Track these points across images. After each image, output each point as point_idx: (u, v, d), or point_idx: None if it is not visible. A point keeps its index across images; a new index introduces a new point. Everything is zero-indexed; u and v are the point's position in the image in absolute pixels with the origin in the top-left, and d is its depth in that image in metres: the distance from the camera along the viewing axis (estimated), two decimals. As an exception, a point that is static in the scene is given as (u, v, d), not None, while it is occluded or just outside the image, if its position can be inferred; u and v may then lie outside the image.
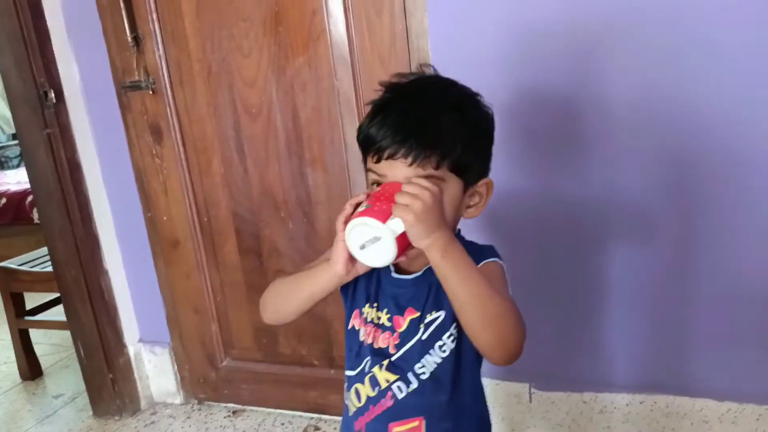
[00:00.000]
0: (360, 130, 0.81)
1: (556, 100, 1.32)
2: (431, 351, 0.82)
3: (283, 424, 1.81)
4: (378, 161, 0.77)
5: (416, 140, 0.75)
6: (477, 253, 0.82)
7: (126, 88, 1.71)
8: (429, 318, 0.82)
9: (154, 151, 1.75)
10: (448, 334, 0.82)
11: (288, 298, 0.85)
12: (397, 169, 0.76)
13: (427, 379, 0.82)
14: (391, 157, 0.76)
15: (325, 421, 1.77)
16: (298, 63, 1.52)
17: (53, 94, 1.72)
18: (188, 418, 1.91)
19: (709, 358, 1.35)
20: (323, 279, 0.80)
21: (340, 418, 0.96)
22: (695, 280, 1.32)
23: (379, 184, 0.78)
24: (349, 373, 0.87)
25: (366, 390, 0.84)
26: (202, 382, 1.95)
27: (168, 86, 1.68)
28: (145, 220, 1.84)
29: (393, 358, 0.82)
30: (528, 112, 1.34)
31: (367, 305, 0.85)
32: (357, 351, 0.85)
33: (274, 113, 1.58)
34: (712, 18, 1.17)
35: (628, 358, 1.42)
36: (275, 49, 1.53)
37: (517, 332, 0.75)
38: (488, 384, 1.52)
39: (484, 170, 0.84)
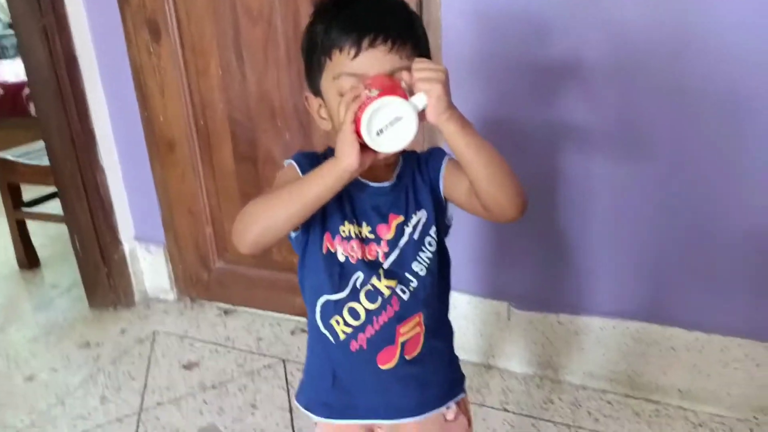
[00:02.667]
0: (324, 28, 0.77)
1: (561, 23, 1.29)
2: (423, 247, 0.85)
3: (271, 324, 1.88)
4: (356, 55, 0.74)
5: (393, 22, 0.75)
6: (437, 153, 0.88)
7: (124, -19, 1.67)
8: (414, 218, 0.84)
9: (152, 49, 1.72)
10: (433, 229, 0.86)
11: (286, 209, 0.75)
12: (377, 59, 0.74)
13: (424, 275, 0.85)
14: (371, 44, 0.74)
15: (312, 326, 1.84)
16: (301, -35, 1.47)
17: (50, -17, 1.67)
18: (181, 314, 1.99)
19: (683, 289, 1.39)
20: (331, 178, 0.73)
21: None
22: (678, 214, 1.34)
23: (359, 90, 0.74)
24: (332, 297, 0.84)
25: (364, 305, 0.83)
26: (195, 282, 2.01)
27: (167, -19, 1.63)
28: (141, 119, 1.84)
29: (385, 266, 0.83)
30: (532, 36, 1.32)
31: (345, 223, 0.83)
32: (339, 272, 0.83)
33: (275, 18, 1.54)
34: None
35: (605, 284, 1.46)
36: (279, -51, 1.48)
37: (515, 178, 0.81)
38: (469, 301, 1.58)
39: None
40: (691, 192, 1.31)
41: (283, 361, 1.71)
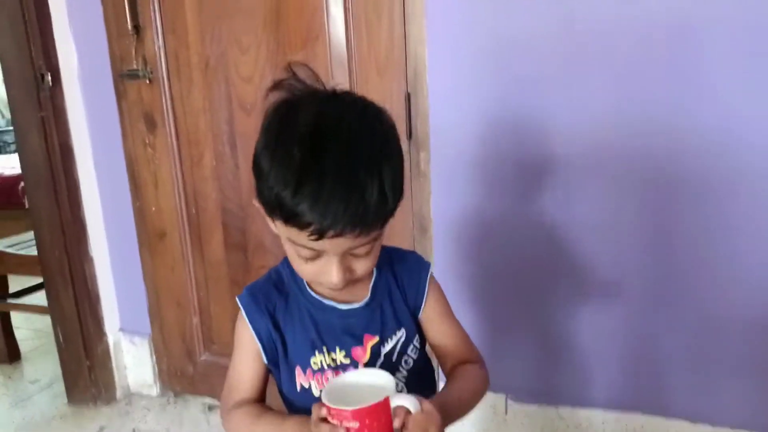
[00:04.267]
0: (281, 202, 0.67)
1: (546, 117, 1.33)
2: (400, 367, 0.82)
3: (257, 422, 1.80)
4: (318, 239, 0.67)
5: (364, 215, 0.66)
6: (416, 265, 0.86)
7: (123, 76, 1.72)
8: (392, 340, 0.82)
9: (147, 141, 1.75)
10: (411, 347, 0.83)
11: None
12: (338, 244, 0.68)
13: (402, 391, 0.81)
14: (337, 235, 0.66)
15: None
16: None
17: (50, 77, 1.72)
18: (163, 410, 1.90)
19: (686, 380, 1.35)
20: None
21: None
22: (674, 303, 1.32)
23: (314, 257, 0.71)
24: None
25: None
26: (180, 375, 1.94)
27: (165, 77, 1.68)
28: (133, 210, 1.84)
29: None
30: (521, 129, 1.35)
31: (316, 353, 0.79)
32: None
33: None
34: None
35: (605, 375, 1.41)
36: (273, 46, 1.53)
37: (487, 385, 0.86)
38: (465, 393, 1.52)
39: None
40: (691, 279, 1.30)
41: (270, 460, 1.61)
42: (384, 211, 0.69)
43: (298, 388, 0.80)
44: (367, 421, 0.65)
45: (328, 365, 0.79)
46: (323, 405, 0.67)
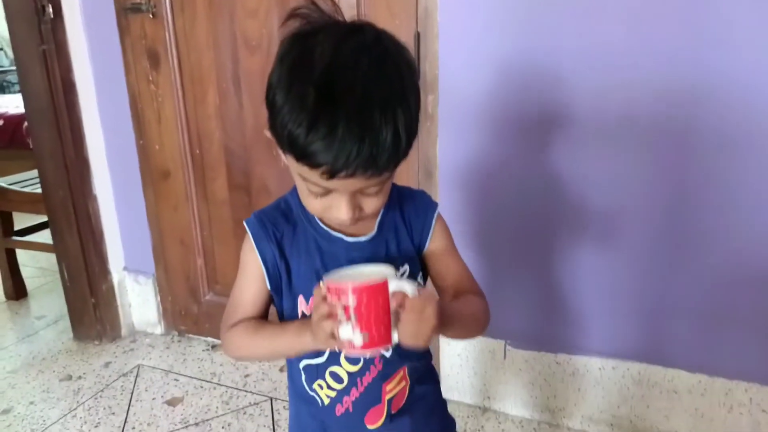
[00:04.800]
0: (294, 140, 0.65)
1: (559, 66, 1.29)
2: None
3: (260, 361, 1.82)
4: (330, 178, 0.66)
5: (377, 157, 0.65)
6: (423, 204, 0.86)
7: (126, 10, 1.68)
8: (398, 272, 0.80)
9: (150, 77, 1.72)
10: (416, 281, 0.83)
11: (264, 355, 0.86)
12: (350, 183, 0.67)
13: None
14: (349, 176, 0.65)
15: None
16: (302, -3, 1.48)
17: (51, 9, 1.68)
18: (167, 348, 1.93)
19: (686, 330, 1.35)
20: (300, 346, 0.76)
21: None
22: (680, 256, 1.31)
23: (324, 194, 0.70)
24: (311, 362, 0.82)
25: (346, 368, 0.80)
26: (184, 315, 1.96)
27: (169, 11, 1.64)
28: (137, 148, 1.82)
29: None
30: (533, 80, 1.32)
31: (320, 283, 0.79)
32: None
33: (273, 48, 1.54)
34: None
35: (605, 324, 1.42)
36: (280, -20, 1.49)
37: (488, 318, 0.83)
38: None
39: None
40: (694, 230, 1.28)
41: (271, 399, 1.64)
42: (397, 153, 0.67)
43: (299, 316, 0.80)
44: (365, 299, 0.65)
45: None
46: (323, 285, 0.68)
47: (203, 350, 1.90)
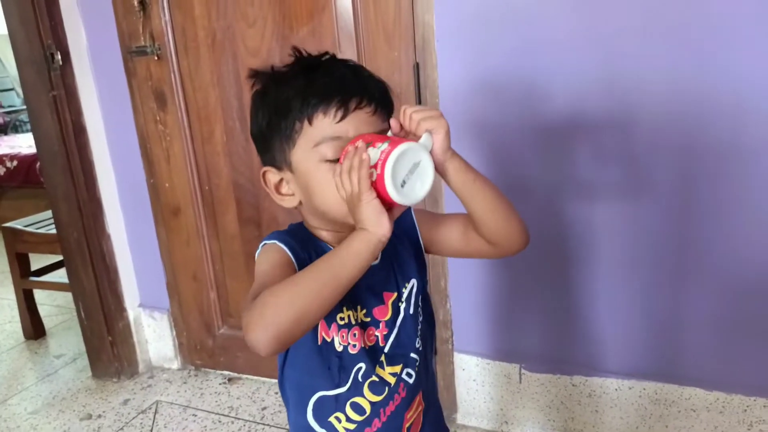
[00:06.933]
0: (299, 92, 0.71)
1: (563, 83, 1.30)
2: (419, 319, 0.82)
3: (276, 393, 1.83)
4: (342, 117, 0.70)
5: (373, 87, 0.73)
6: (401, 215, 0.83)
7: (132, 53, 1.72)
8: (405, 292, 0.81)
9: (158, 118, 1.75)
10: (421, 296, 0.83)
11: (319, 295, 0.64)
12: (362, 122, 0.71)
13: (422, 347, 0.81)
14: (358, 107, 0.70)
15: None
16: (302, 33, 1.51)
17: (60, 56, 1.73)
18: (184, 383, 1.94)
19: (701, 347, 1.34)
20: (369, 252, 0.65)
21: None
22: (692, 270, 1.30)
23: (340, 151, 0.70)
24: (333, 392, 0.77)
25: (369, 398, 0.77)
26: (199, 349, 1.97)
27: (173, 52, 1.68)
28: (147, 186, 1.85)
29: (386, 350, 0.78)
30: (532, 97, 1.33)
31: (344, 309, 0.76)
32: (339, 364, 0.76)
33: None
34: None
35: (619, 343, 1.41)
36: (280, 18, 1.52)
37: (512, 207, 0.81)
38: (478, 363, 1.53)
39: None
40: (708, 244, 1.28)
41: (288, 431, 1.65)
42: (387, 96, 0.75)
43: (320, 340, 0.76)
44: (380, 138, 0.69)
45: (354, 322, 0.77)
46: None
47: (220, 383, 1.92)
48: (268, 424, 1.68)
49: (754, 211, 1.23)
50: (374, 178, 0.65)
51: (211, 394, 1.86)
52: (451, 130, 0.71)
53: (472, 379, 1.55)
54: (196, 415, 1.76)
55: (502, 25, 1.32)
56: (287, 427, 1.66)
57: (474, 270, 1.49)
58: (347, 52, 1.47)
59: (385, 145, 0.66)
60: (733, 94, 1.18)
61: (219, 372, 1.97)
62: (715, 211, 1.26)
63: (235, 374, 1.94)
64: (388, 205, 0.66)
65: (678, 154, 1.25)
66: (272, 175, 0.78)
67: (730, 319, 1.30)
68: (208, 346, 1.96)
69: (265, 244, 0.76)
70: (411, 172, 0.66)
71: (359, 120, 0.71)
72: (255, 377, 1.91)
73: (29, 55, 1.75)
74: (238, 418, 1.73)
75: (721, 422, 1.34)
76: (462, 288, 1.50)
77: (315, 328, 0.75)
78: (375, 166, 0.65)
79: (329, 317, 0.75)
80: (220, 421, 1.72)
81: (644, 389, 1.40)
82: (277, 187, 0.79)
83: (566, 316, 1.45)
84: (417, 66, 1.41)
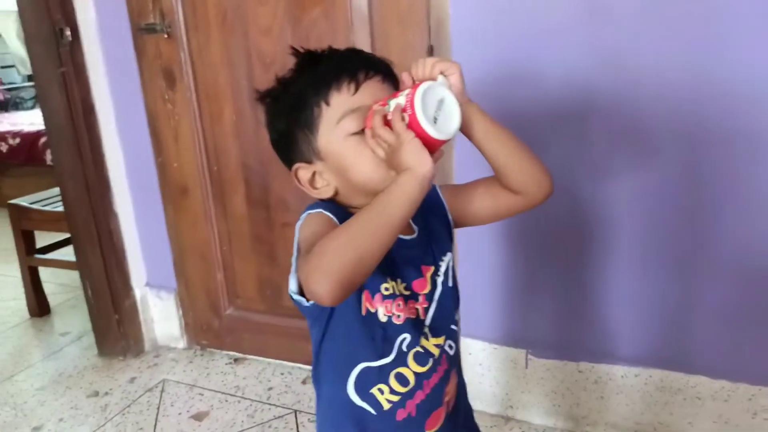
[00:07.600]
0: (311, 78, 0.76)
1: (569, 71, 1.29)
2: (458, 292, 0.84)
3: (282, 374, 1.84)
4: (357, 89, 0.74)
5: (377, 60, 0.78)
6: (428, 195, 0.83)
7: (141, 31, 1.70)
8: (443, 265, 0.81)
9: (167, 96, 1.74)
10: (453, 271, 0.84)
11: (376, 235, 0.65)
12: (376, 90, 0.75)
13: (460, 320, 0.84)
14: (368, 77, 0.75)
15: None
16: (314, 13, 1.49)
17: (69, 33, 1.71)
18: (190, 362, 1.95)
19: (708, 335, 1.34)
20: (416, 192, 0.67)
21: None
22: (701, 259, 1.31)
23: (363, 119, 0.74)
24: (374, 364, 0.76)
25: (413, 369, 0.77)
26: (206, 329, 1.98)
27: (183, 31, 1.66)
28: (155, 166, 1.85)
29: (428, 322, 0.79)
30: (541, 84, 1.32)
31: (388, 279, 0.76)
32: (382, 335, 0.76)
33: (288, 65, 1.56)
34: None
35: (627, 331, 1.42)
36: (293, -3, 1.50)
37: (537, 157, 0.83)
38: (486, 348, 1.54)
39: None
40: (718, 233, 1.28)
41: (295, 411, 1.66)
42: (391, 69, 0.78)
43: (363, 311, 0.76)
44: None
45: (397, 293, 0.77)
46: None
47: (226, 364, 1.93)
48: (274, 404, 1.70)
49: (765, 200, 1.23)
50: (407, 121, 0.68)
51: (218, 374, 1.87)
52: None
53: (479, 363, 1.56)
54: (202, 394, 1.77)
55: (518, 8, 1.30)
56: (293, 407, 1.68)
57: (482, 255, 1.49)
58: (360, 33, 1.46)
59: (407, 91, 0.70)
60: (747, 83, 1.17)
61: (225, 352, 1.98)
62: (725, 200, 1.25)
63: (241, 355, 1.95)
64: (425, 145, 0.69)
65: (689, 143, 1.25)
66: (304, 171, 0.79)
67: (738, 308, 1.30)
68: (214, 326, 1.96)
69: (309, 213, 0.77)
70: (438, 109, 0.70)
71: (373, 88, 0.75)
72: (261, 358, 1.92)
73: (38, 30, 1.73)
74: (245, 398, 1.74)
75: (726, 410, 1.35)
76: (470, 273, 1.50)
77: (359, 300, 0.75)
78: (404, 110, 0.69)
79: (373, 288, 0.75)
80: (226, 401, 1.73)
81: (650, 376, 1.41)
82: (311, 182, 0.80)
83: (574, 303, 1.45)
84: (431, 48, 1.40)
